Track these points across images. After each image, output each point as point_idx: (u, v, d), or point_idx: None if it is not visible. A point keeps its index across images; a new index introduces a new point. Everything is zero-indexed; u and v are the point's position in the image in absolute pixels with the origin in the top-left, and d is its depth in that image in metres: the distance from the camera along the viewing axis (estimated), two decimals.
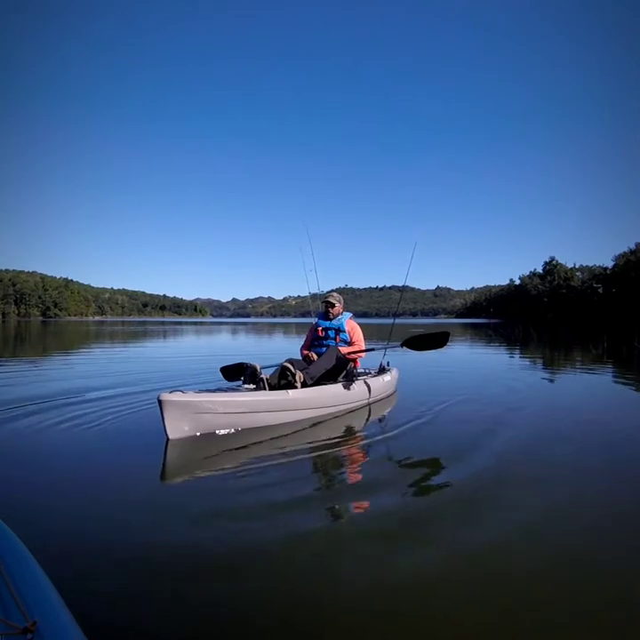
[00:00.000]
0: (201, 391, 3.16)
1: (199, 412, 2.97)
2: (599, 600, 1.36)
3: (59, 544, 1.66)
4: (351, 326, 4.36)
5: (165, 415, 2.84)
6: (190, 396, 2.95)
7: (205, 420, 3.02)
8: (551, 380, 6.66)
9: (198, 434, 3.00)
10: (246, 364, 3.77)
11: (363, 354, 4.35)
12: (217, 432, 3.09)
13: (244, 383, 3.70)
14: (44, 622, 0.84)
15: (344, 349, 4.16)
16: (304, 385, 3.61)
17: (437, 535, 1.74)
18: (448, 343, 4.51)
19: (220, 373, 4.04)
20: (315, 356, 4.10)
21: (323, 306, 4.49)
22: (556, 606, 1.32)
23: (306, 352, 4.27)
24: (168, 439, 2.86)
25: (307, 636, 1.23)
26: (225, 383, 3.91)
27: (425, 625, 1.25)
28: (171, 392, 2.89)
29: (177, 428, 2.89)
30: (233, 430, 3.15)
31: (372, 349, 4.39)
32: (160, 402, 2.83)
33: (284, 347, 13.06)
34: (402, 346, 4.56)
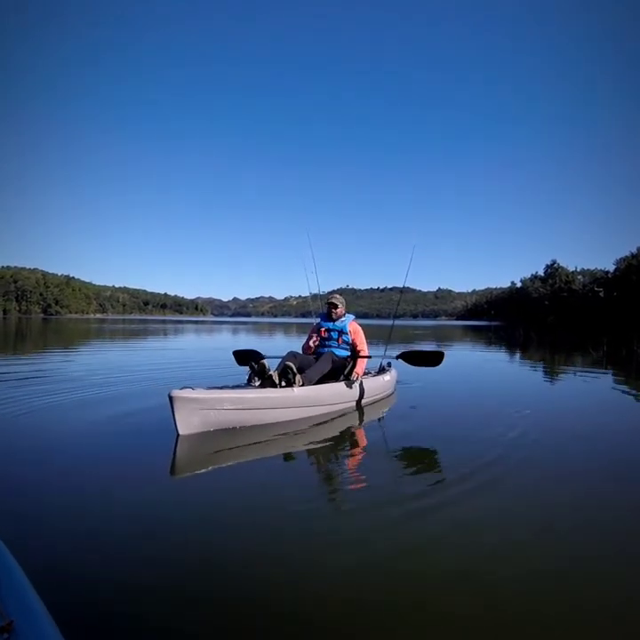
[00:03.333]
0: (210, 388, 3.24)
1: (209, 409, 3.06)
2: (600, 600, 1.39)
3: (47, 542, 1.64)
4: (354, 328, 4.41)
5: (176, 411, 2.92)
6: (200, 393, 3.03)
7: (215, 416, 3.11)
8: (550, 383, 6.74)
9: (208, 429, 3.08)
10: (258, 353, 3.98)
11: (365, 360, 4.36)
12: (226, 428, 3.17)
13: (250, 380, 3.78)
14: (22, 622, 0.82)
15: (358, 369, 4.19)
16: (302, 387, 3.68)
17: (436, 535, 1.76)
18: (441, 363, 4.46)
19: (233, 356, 4.67)
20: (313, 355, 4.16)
21: (326, 307, 4.52)
22: (555, 607, 1.34)
23: (308, 351, 4.33)
24: (178, 435, 2.94)
25: (312, 628, 1.26)
26: (232, 380, 4.00)
27: (424, 623, 1.28)
28: (181, 389, 2.97)
29: (187, 423, 2.98)
30: (241, 426, 3.24)
31: (370, 357, 4.44)
32: (171, 398, 2.91)
33: (285, 346, 13.11)
34: (397, 358, 4.64)
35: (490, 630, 1.25)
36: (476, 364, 9.17)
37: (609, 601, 1.38)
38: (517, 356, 11.78)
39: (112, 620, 1.26)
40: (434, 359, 4.50)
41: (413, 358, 4.59)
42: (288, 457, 2.79)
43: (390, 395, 4.85)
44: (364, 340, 4.42)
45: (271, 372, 3.64)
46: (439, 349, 4.63)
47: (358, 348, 4.34)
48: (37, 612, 0.87)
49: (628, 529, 1.86)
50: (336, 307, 4.39)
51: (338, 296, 4.50)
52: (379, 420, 3.93)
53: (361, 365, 4.25)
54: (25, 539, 1.62)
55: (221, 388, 3.42)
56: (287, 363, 3.69)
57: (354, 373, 4.15)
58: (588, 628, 1.27)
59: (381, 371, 4.90)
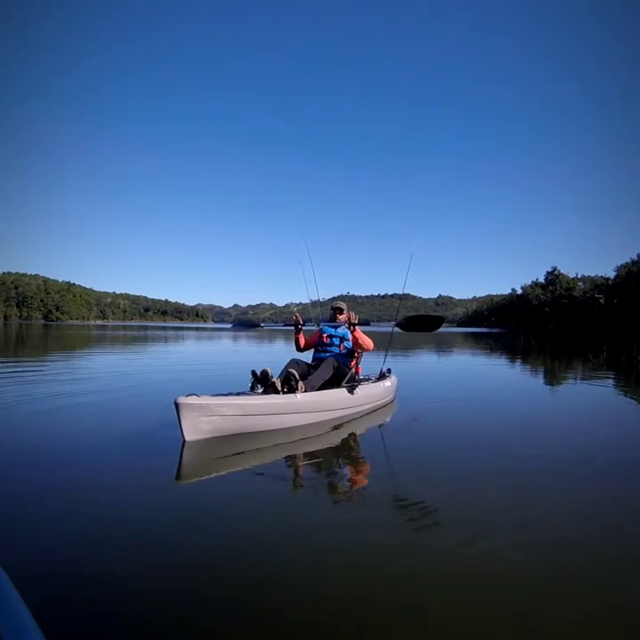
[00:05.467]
0: (215, 395, 3.29)
1: (214, 415, 3.11)
2: (600, 600, 1.40)
3: (41, 549, 1.61)
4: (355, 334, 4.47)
5: (182, 418, 2.97)
6: (205, 400, 3.08)
7: (220, 423, 3.15)
8: (550, 389, 6.77)
9: (213, 435, 3.13)
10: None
11: (370, 345, 4.33)
12: (231, 434, 3.21)
13: (253, 388, 3.85)
14: (9, 634, 0.80)
15: (361, 340, 4.27)
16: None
17: (436, 536, 1.79)
18: (440, 328, 4.30)
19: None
20: (302, 341, 4.49)
21: (331, 312, 4.59)
22: (555, 606, 1.35)
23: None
24: (184, 441, 2.98)
25: (312, 628, 1.27)
26: (236, 387, 4.06)
27: (424, 623, 1.30)
28: (187, 396, 3.02)
29: (193, 429, 3.02)
30: (246, 432, 3.28)
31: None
32: (177, 405, 2.96)
33: (285, 351, 13.13)
34: (395, 327, 4.46)
35: (490, 631, 1.27)
36: (475, 371, 9.20)
37: (609, 601, 1.41)
38: (517, 363, 11.80)
39: (105, 630, 1.23)
40: (432, 323, 4.28)
41: (411, 324, 4.36)
42: (292, 462, 2.83)
43: (391, 401, 4.90)
44: (368, 338, 4.42)
45: (274, 379, 3.69)
46: (438, 314, 4.40)
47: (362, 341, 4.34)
48: (25, 624, 0.84)
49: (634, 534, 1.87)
50: (341, 311, 4.51)
51: (341, 302, 4.61)
52: (379, 426, 3.97)
53: (362, 336, 4.31)
54: (18, 547, 1.62)
55: (227, 394, 3.47)
56: (289, 370, 3.74)
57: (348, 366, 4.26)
58: (587, 627, 1.29)
59: (382, 377, 4.95)
